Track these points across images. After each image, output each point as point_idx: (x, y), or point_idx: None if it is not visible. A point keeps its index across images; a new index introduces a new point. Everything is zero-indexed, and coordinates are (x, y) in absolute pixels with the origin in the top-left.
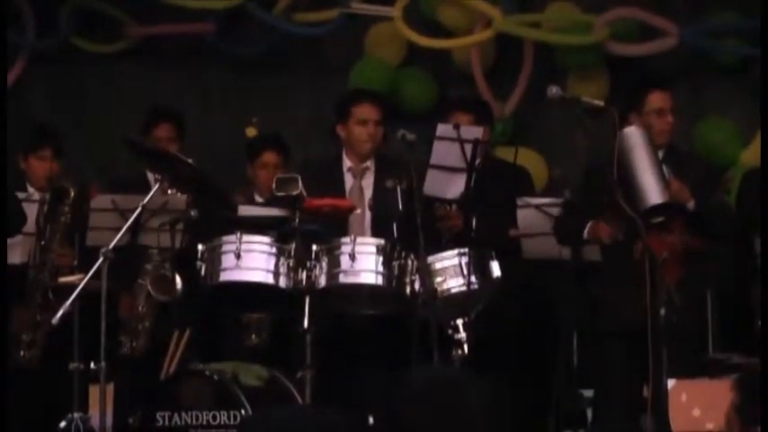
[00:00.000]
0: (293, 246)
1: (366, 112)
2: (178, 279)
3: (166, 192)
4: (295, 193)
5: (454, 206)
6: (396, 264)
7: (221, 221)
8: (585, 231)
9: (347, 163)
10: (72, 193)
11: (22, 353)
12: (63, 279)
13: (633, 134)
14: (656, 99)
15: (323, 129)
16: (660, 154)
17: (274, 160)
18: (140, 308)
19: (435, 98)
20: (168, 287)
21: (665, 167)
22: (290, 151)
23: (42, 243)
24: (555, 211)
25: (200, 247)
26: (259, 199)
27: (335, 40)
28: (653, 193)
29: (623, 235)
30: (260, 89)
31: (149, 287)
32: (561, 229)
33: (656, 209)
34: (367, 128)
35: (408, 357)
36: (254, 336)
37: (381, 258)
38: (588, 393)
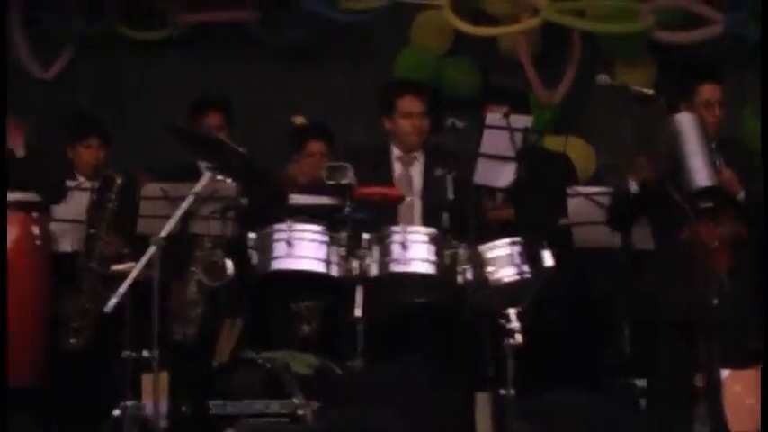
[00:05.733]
0: (344, 234)
1: (410, 104)
2: (229, 264)
3: (216, 179)
4: (345, 181)
5: (499, 196)
6: (447, 253)
7: (272, 209)
8: (630, 183)
9: (395, 152)
10: (118, 182)
11: (72, 339)
12: (115, 267)
13: (684, 119)
14: (707, 91)
15: (368, 116)
16: (713, 145)
17: (320, 149)
18: (191, 295)
19: (480, 86)
20: (219, 273)
21: (716, 155)
22: (335, 140)
23: (91, 231)
24: (604, 199)
25: (250, 235)
26: (305, 186)
27: (381, 28)
28: (702, 177)
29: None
30: (305, 76)
31: (200, 273)
32: (613, 212)
33: (705, 192)
34: (412, 120)
35: (459, 346)
36: (304, 325)
37: (433, 247)
38: (641, 383)
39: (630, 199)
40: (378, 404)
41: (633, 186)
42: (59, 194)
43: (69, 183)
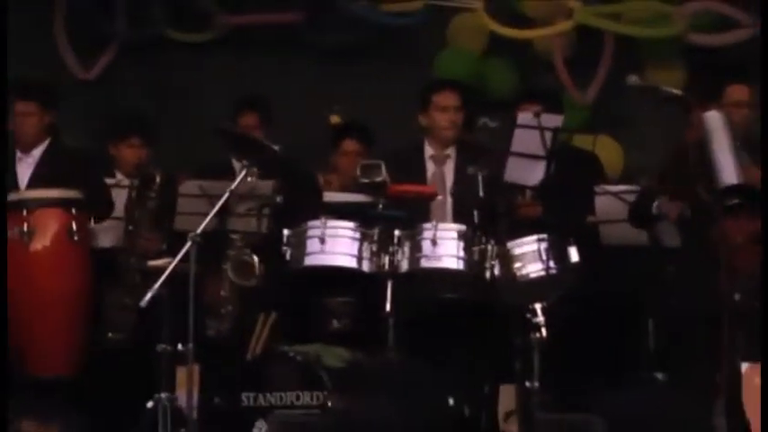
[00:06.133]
0: (376, 231)
1: (446, 98)
2: (258, 264)
3: (253, 177)
4: (379, 179)
5: (528, 194)
6: (476, 249)
7: (307, 207)
8: (654, 206)
9: (429, 150)
10: (158, 179)
11: (110, 334)
12: (152, 263)
13: (714, 118)
14: (736, 92)
15: (408, 117)
16: (739, 143)
17: (355, 148)
18: (224, 292)
19: (517, 86)
20: (249, 272)
21: (744, 154)
22: (373, 140)
23: (130, 228)
24: (632, 198)
25: (285, 231)
26: (340, 185)
27: (420, 30)
28: (729, 174)
29: (690, 212)
30: (346, 78)
31: (230, 272)
32: (635, 210)
33: (732, 190)
34: (448, 114)
35: (487, 340)
36: (336, 320)
37: (462, 244)
38: (664, 377)
39: (651, 215)
40: (401, 397)
41: (655, 209)
42: (104, 203)
43: (109, 180)
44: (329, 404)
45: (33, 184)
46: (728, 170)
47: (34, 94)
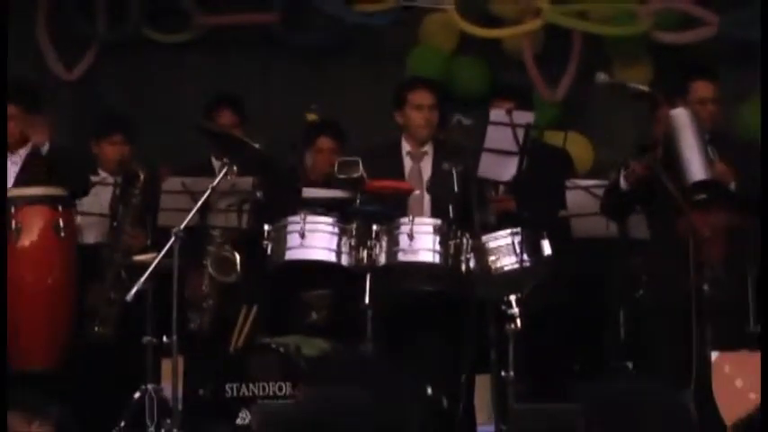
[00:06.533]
0: (355, 226)
1: (421, 97)
2: (238, 260)
3: (233, 174)
4: (356, 175)
5: (502, 188)
6: (452, 243)
7: (286, 202)
8: (621, 178)
9: (406, 147)
10: (142, 177)
11: (96, 328)
12: (137, 258)
13: (681, 115)
14: (701, 88)
15: (381, 114)
16: (706, 137)
17: (330, 145)
18: (204, 287)
19: (487, 84)
20: (229, 268)
21: (710, 149)
22: (346, 137)
23: (115, 224)
24: (602, 192)
25: (266, 227)
26: (317, 180)
27: (392, 30)
28: (697, 171)
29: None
30: (321, 76)
31: (210, 268)
32: (606, 196)
33: (700, 186)
34: (422, 113)
35: (464, 332)
36: (315, 312)
37: (438, 238)
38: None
39: (621, 193)
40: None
41: (623, 183)
42: (84, 189)
43: (93, 178)
44: (298, 393)
45: (19, 182)
46: (696, 166)
47: (16, 97)
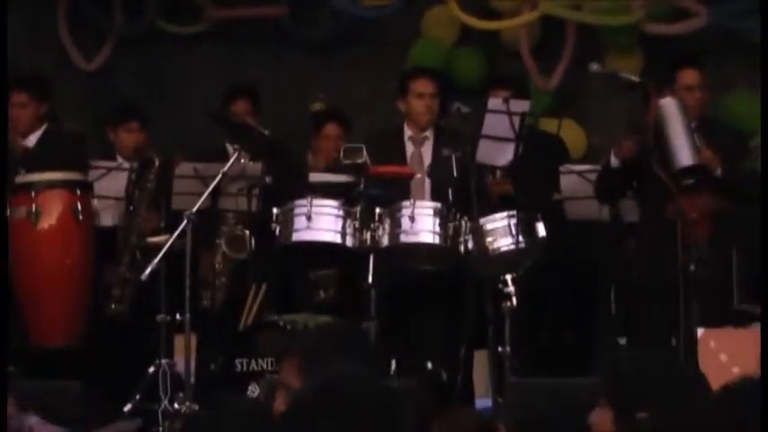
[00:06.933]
0: (359, 208)
1: (422, 86)
2: (249, 237)
3: (244, 160)
4: (360, 161)
5: (499, 173)
6: (451, 225)
7: (294, 187)
8: (612, 156)
9: (408, 133)
10: (157, 162)
11: (112, 306)
12: (151, 239)
13: (669, 104)
14: (687, 76)
15: (384, 102)
16: (693, 124)
17: (336, 132)
18: (218, 265)
19: (485, 74)
20: (241, 246)
21: (697, 136)
22: (351, 123)
23: (131, 208)
24: (594, 176)
25: (274, 210)
26: (323, 166)
27: (395, 23)
28: (685, 157)
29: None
30: (328, 66)
31: (224, 246)
32: (599, 181)
33: (687, 171)
34: (424, 100)
35: (462, 309)
36: (322, 291)
37: (438, 220)
38: (624, 341)
39: (612, 173)
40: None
41: (614, 161)
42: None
43: (110, 163)
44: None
45: (32, 167)
46: (684, 153)
47: (27, 86)
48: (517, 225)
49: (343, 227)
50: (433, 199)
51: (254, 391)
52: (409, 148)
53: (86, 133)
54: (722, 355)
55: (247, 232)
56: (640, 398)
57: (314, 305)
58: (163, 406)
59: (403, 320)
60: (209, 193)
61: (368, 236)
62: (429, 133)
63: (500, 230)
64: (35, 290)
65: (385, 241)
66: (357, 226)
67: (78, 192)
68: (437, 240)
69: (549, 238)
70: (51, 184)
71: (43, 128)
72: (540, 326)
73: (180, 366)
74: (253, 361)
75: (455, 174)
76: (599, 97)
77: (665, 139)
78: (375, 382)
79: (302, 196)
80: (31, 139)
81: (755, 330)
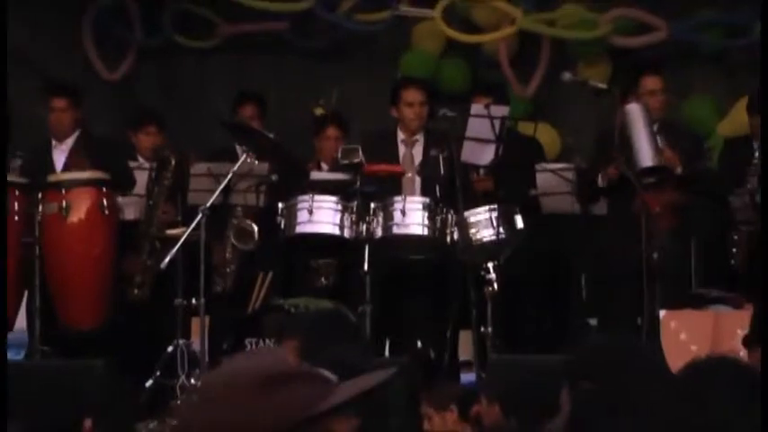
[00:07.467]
0: (355, 203)
1: (412, 95)
2: (256, 231)
3: (252, 160)
4: (356, 161)
5: (482, 171)
6: (438, 218)
7: (296, 184)
8: (600, 178)
9: (401, 135)
10: (173, 162)
11: (135, 291)
12: (169, 231)
13: (633, 109)
14: (649, 82)
15: (377, 108)
16: (655, 127)
17: (336, 134)
18: (228, 255)
19: (469, 83)
20: (249, 238)
21: (659, 138)
22: (349, 127)
23: (150, 203)
24: (568, 174)
25: (279, 205)
26: (324, 166)
27: (387, 36)
28: (648, 158)
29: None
30: (326, 75)
31: (233, 238)
32: (581, 189)
33: (651, 170)
34: (414, 108)
35: (449, 293)
36: (322, 278)
37: (427, 213)
38: (594, 322)
39: (598, 190)
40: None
41: (601, 183)
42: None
43: (132, 163)
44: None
45: (67, 167)
46: (647, 154)
47: (67, 92)
48: (498, 218)
49: (342, 220)
50: (423, 194)
51: None
52: (401, 149)
53: (117, 138)
54: (682, 334)
55: (255, 225)
56: (583, 368)
57: (315, 290)
58: (180, 381)
59: (395, 304)
60: (221, 190)
61: (363, 228)
62: (419, 136)
63: (482, 223)
64: (65, 277)
65: (379, 233)
66: (354, 219)
67: (104, 189)
68: (426, 232)
69: (527, 230)
70: (80, 183)
71: (78, 132)
72: (518, 308)
73: (195, 346)
74: (261, 341)
75: (442, 172)
76: (571, 103)
77: (629, 141)
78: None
79: (304, 192)
80: (68, 142)
81: (711, 312)
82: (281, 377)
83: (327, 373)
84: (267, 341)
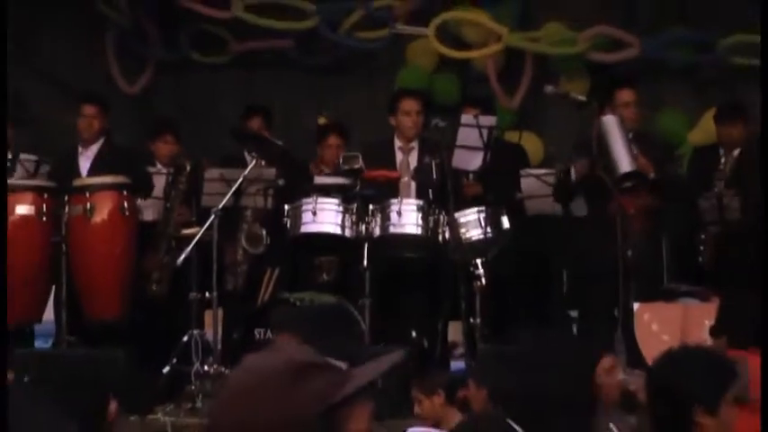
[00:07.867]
0: (355, 205)
1: (409, 105)
2: (265, 235)
3: (261, 164)
4: (357, 166)
5: (471, 176)
6: (431, 218)
7: (301, 187)
8: (572, 174)
9: (398, 143)
10: (188, 168)
11: (153, 286)
12: (185, 231)
13: (609, 120)
14: (624, 95)
15: (376, 118)
16: (630, 136)
17: (337, 142)
18: (239, 257)
19: (459, 95)
20: (258, 242)
21: (633, 146)
22: (349, 135)
23: (168, 205)
24: (550, 179)
25: (285, 206)
26: (326, 170)
27: (385, 53)
28: (624, 164)
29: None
30: (328, 89)
31: (244, 242)
32: (558, 188)
33: (627, 176)
34: (410, 117)
35: (441, 288)
36: (324, 274)
37: (421, 214)
38: (574, 314)
39: (571, 184)
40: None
41: (573, 176)
42: (148, 183)
43: (151, 169)
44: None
45: (92, 172)
46: (623, 161)
47: (97, 99)
48: (486, 218)
49: (343, 220)
50: (417, 197)
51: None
52: (398, 156)
53: (137, 146)
54: (654, 325)
55: (263, 230)
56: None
57: (318, 285)
58: (195, 368)
59: (392, 298)
60: (232, 193)
61: (363, 228)
62: (415, 144)
63: (472, 223)
64: (89, 274)
65: (377, 232)
66: (354, 219)
67: (125, 192)
68: (420, 231)
69: (513, 230)
70: (103, 186)
71: (102, 139)
72: (505, 301)
73: (209, 336)
74: (269, 331)
75: (435, 177)
76: (553, 114)
77: (606, 149)
78: None
79: (308, 195)
80: (93, 149)
81: (681, 305)
82: (305, 368)
83: (337, 362)
84: (274, 331)
